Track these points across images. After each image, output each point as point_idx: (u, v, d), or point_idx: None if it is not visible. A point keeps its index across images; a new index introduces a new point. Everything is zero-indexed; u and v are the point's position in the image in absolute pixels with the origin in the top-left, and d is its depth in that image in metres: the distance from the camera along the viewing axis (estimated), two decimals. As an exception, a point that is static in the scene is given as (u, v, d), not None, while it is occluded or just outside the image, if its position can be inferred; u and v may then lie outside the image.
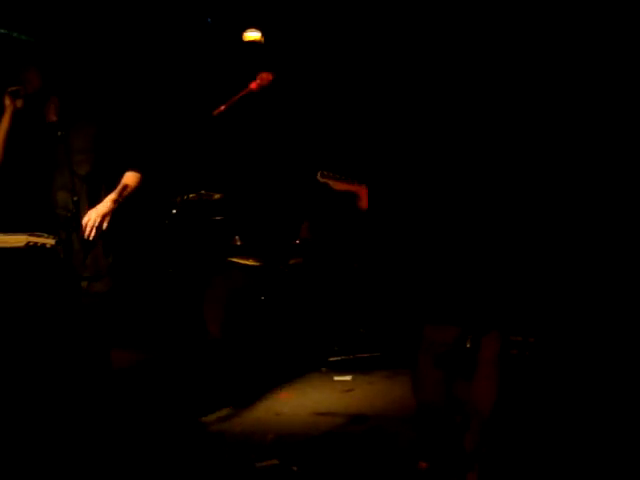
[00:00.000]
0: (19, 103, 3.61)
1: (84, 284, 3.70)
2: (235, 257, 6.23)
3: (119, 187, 3.75)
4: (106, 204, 3.69)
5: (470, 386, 3.42)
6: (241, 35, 6.64)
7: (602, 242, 5.23)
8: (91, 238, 3.63)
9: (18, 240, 3.32)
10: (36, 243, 3.31)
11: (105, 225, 3.66)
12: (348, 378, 5.51)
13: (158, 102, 6.42)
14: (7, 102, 3.59)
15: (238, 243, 6.35)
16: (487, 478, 3.40)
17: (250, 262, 6.24)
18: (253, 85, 4.06)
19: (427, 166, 3.40)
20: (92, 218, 3.62)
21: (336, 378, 5.53)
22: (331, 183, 3.69)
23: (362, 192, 3.63)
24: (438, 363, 3.37)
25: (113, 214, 3.70)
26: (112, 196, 3.72)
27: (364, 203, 3.62)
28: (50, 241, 3.32)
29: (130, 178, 3.82)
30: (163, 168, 4.64)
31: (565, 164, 5.01)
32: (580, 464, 3.69)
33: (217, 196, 5.99)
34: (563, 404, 4.48)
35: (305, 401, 4.99)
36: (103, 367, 3.80)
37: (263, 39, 6.62)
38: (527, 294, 3.46)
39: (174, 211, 5.70)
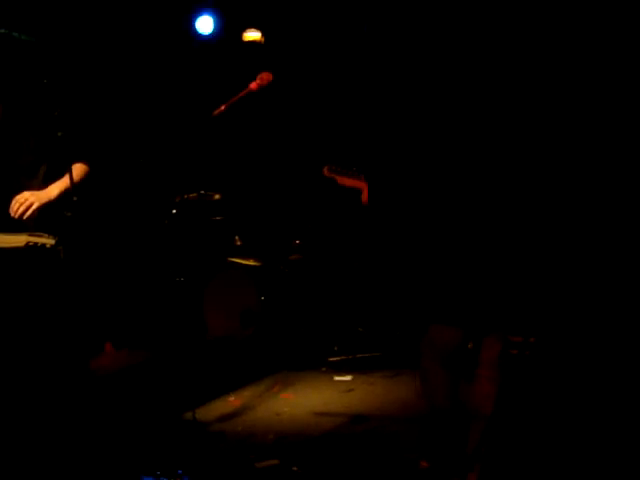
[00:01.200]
0: None
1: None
2: (235, 257, 6.24)
3: (64, 178, 3.55)
4: (48, 193, 3.54)
5: (471, 387, 3.42)
6: (241, 35, 6.64)
7: (601, 242, 5.23)
8: (16, 216, 3.45)
9: (18, 240, 3.32)
10: (36, 243, 3.30)
11: (29, 213, 3.46)
12: (348, 378, 5.51)
13: (156, 102, 6.43)
14: None
15: (238, 243, 6.35)
16: (487, 478, 3.40)
17: (250, 262, 6.25)
18: (253, 85, 4.05)
19: (430, 168, 3.39)
20: (28, 199, 3.47)
21: (336, 378, 5.53)
22: (337, 178, 3.66)
23: (367, 188, 3.61)
24: (445, 365, 3.36)
25: (51, 204, 3.52)
26: (56, 187, 3.57)
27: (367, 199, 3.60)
28: (50, 241, 3.31)
29: (77, 170, 3.70)
30: (114, 160, 4.47)
31: (564, 165, 5.01)
32: (580, 464, 3.69)
33: (217, 196, 6.00)
34: (563, 404, 4.48)
35: (305, 401, 4.99)
36: (82, 368, 3.80)
37: (263, 39, 6.63)
38: (527, 295, 3.46)
39: (174, 211, 5.71)
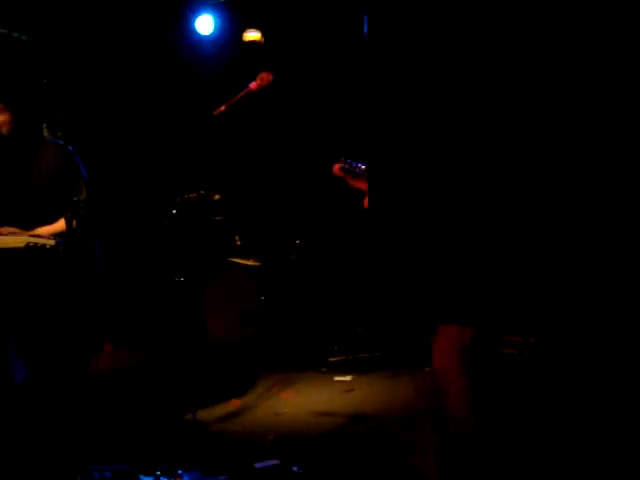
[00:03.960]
0: None
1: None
2: (235, 257, 6.25)
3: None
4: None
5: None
6: (241, 35, 6.65)
7: (602, 242, 5.23)
8: None
9: (18, 241, 3.32)
10: (36, 244, 3.31)
11: None
12: (348, 378, 5.51)
13: (156, 102, 6.43)
14: None
15: (238, 243, 6.36)
16: (487, 478, 3.39)
17: (250, 262, 6.25)
18: (253, 85, 4.07)
19: (435, 164, 3.38)
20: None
21: (336, 378, 5.53)
22: (349, 179, 3.42)
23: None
24: (468, 369, 3.11)
25: None
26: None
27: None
28: (50, 242, 3.32)
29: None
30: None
31: (565, 165, 5.01)
32: (580, 464, 3.69)
33: (217, 196, 6.00)
34: (563, 404, 4.48)
35: (305, 401, 4.99)
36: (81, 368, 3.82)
37: (263, 39, 6.63)
38: (527, 294, 3.45)
39: (174, 211, 5.71)
